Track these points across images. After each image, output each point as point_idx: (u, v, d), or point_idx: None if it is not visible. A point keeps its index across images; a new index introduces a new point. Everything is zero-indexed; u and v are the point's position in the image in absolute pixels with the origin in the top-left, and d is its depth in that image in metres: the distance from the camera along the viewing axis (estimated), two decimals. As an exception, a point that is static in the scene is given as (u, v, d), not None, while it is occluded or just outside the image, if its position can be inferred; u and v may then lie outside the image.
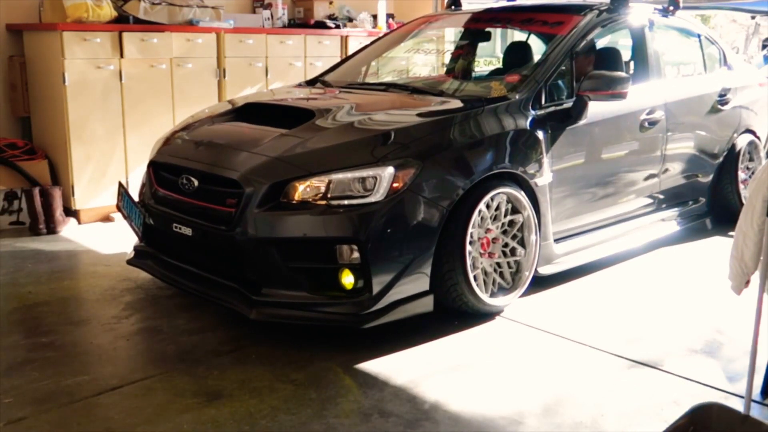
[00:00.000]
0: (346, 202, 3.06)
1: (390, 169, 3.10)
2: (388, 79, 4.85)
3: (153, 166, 3.65)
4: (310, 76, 5.00)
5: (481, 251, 3.41)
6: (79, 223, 5.13)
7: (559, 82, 3.92)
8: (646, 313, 3.63)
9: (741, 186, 5.08)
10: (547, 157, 3.67)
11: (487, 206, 3.39)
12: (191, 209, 3.32)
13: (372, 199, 3.07)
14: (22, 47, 5.30)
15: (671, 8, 4.88)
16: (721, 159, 5.03)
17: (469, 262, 3.28)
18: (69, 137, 4.97)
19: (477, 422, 2.59)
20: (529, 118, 3.66)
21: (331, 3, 6.88)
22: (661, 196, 4.62)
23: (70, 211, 5.13)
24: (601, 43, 5.08)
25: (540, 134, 3.66)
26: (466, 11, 5.08)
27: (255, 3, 6.63)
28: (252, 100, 4.05)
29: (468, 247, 3.28)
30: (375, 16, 7.10)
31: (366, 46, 5.05)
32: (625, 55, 4.69)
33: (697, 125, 4.80)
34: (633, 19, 4.54)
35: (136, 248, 3.73)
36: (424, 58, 5.52)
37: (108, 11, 5.05)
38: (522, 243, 3.58)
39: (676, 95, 4.61)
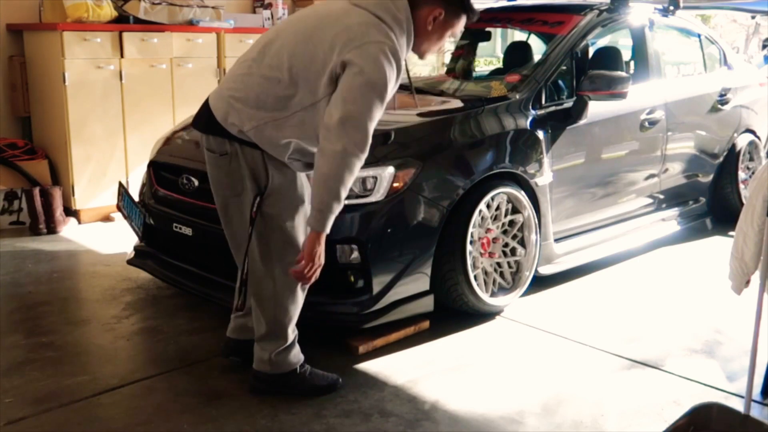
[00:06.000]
0: (346, 201, 3.05)
1: (390, 169, 3.10)
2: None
3: (153, 165, 3.65)
4: (311, 76, 4.98)
5: (482, 251, 3.41)
6: (79, 223, 5.13)
7: (560, 81, 3.92)
8: (646, 313, 3.62)
9: (741, 186, 5.08)
10: (547, 157, 3.67)
11: (488, 206, 3.39)
12: (191, 209, 3.32)
13: (372, 198, 3.06)
14: (22, 47, 5.30)
15: (671, 8, 4.88)
16: (721, 159, 5.02)
17: (469, 261, 3.28)
18: (69, 137, 4.97)
19: (477, 422, 2.59)
20: (530, 118, 3.66)
21: (331, 3, 6.87)
22: (662, 196, 4.62)
23: (70, 211, 5.13)
24: (601, 43, 5.07)
25: (540, 134, 3.65)
26: (466, 11, 5.06)
27: (255, 3, 6.62)
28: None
29: (468, 247, 3.27)
30: (375, 16, 7.07)
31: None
32: (626, 55, 4.69)
33: (697, 125, 4.80)
34: (633, 19, 4.53)
35: (136, 248, 3.73)
36: (424, 58, 5.50)
37: (108, 11, 5.04)
38: (522, 243, 3.58)
39: (676, 95, 4.61)
